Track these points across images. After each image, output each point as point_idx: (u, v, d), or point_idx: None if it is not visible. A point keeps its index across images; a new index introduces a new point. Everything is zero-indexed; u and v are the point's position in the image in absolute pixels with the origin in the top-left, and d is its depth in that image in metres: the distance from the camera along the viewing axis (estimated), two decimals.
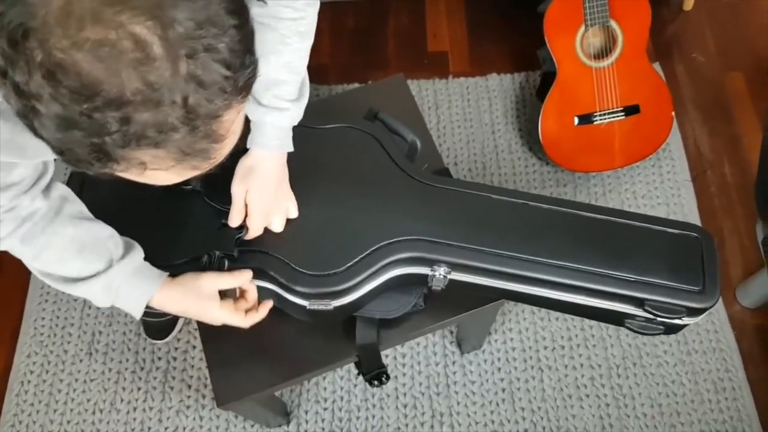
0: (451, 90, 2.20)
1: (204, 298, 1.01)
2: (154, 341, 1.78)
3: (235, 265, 1.06)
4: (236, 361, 1.23)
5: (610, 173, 2.03)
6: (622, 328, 1.17)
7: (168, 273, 1.01)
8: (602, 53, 1.86)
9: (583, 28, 1.82)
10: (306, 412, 1.71)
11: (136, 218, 1.02)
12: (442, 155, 2.03)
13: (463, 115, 2.15)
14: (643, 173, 2.04)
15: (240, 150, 1.07)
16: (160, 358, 1.78)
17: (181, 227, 1.11)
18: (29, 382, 1.76)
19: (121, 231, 1.00)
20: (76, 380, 1.76)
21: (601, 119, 1.88)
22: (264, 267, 1.06)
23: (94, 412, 1.72)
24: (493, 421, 1.70)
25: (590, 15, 1.79)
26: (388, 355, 1.77)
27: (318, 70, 2.24)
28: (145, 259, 1.01)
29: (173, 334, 1.79)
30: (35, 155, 0.77)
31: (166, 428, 1.70)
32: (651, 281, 1.07)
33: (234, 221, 1.07)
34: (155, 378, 1.76)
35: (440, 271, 1.10)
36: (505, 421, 1.70)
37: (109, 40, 0.50)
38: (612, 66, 1.86)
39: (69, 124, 0.53)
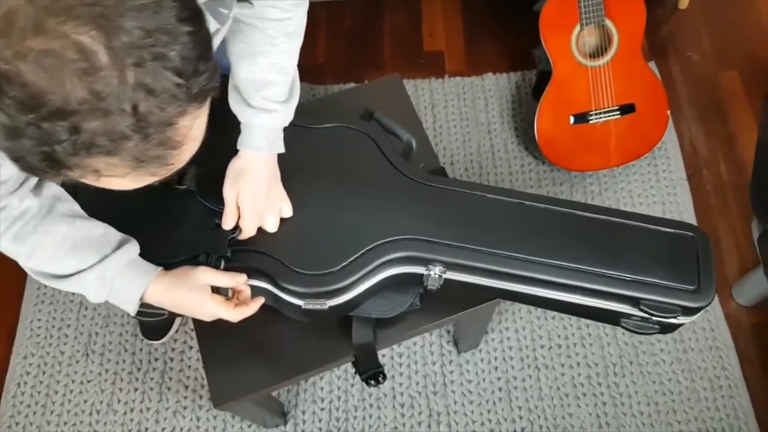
0: (447, 89, 2.20)
1: (196, 289, 1.00)
2: (151, 342, 1.78)
3: (231, 265, 1.06)
4: (233, 362, 1.23)
5: (606, 172, 2.03)
6: (618, 327, 1.17)
7: (162, 267, 1.01)
8: (598, 52, 1.87)
9: (578, 27, 1.82)
10: (303, 412, 1.71)
11: (130, 218, 1.02)
12: (439, 155, 2.03)
13: (459, 114, 2.16)
14: (638, 172, 2.04)
15: (231, 152, 1.07)
16: (156, 359, 1.77)
17: (174, 227, 1.11)
18: (26, 383, 1.76)
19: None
20: (73, 381, 1.76)
21: (596, 118, 1.89)
22: (259, 266, 1.06)
23: (90, 413, 1.72)
24: (490, 420, 1.70)
25: (585, 14, 1.80)
26: (384, 355, 1.77)
27: (314, 69, 2.24)
28: None
29: (169, 334, 1.78)
30: None
31: (163, 429, 1.70)
32: (646, 280, 1.07)
33: (227, 224, 1.07)
34: (152, 379, 1.75)
35: (435, 271, 1.10)
36: (502, 420, 1.70)
37: (52, 51, 0.50)
38: (607, 65, 1.86)
39: (16, 134, 0.53)
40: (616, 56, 1.86)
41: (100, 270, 0.94)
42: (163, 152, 0.58)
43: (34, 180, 0.88)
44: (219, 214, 1.08)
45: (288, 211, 1.12)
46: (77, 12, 0.50)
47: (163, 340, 1.78)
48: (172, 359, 1.77)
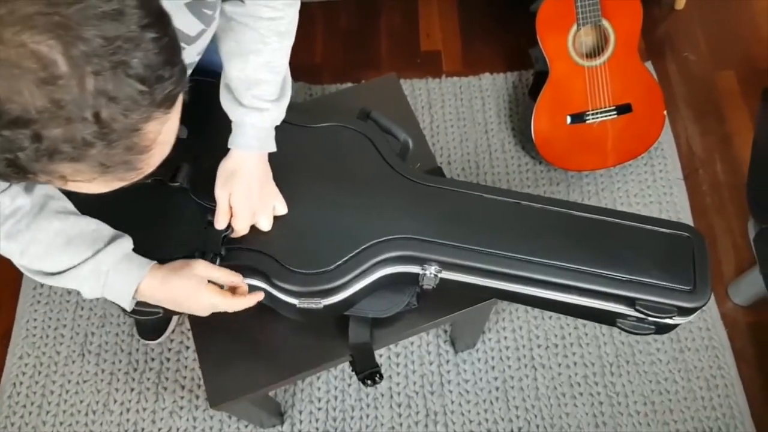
0: (444, 89, 2.20)
1: (191, 279, 0.99)
2: (147, 342, 1.78)
3: (225, 263, 1.06)
4: (229, 362, 1.23)
5: (602, 172, 2.03)
6: (614, 327, 1.17)
7: (156, 261, 1.01)
8: (594, 52, 1.87)
9: (575, 27, 1.82)
10: (300, 412, 1.71)
11: (123, 216, 1.01)
12: (436, 154, 2.03)
13: (456, 114, 2.16)
14: (635, 172, 2.04)
15: (225, 150, 1.07)
16: (153, 359, 1.77)
17: (167, 225, 1.11)
18: (21, 383, 1.75)
19: None
20: (69, 381, 1.75)
21: (593, 118, 1.89)
22: (254, 265, 1.06)
23: (86, 414, 1.72)
24: (487, 420, 1.70)
25: (582, 14, 1.80)
26: (382, 355, 1.77)
27: (311, 69, 2.24)
28: None
29: (166, 334, 1.78)
30: None
31: (159, 429, 1.70)
32: (642, 281, 1.07)
33: (220, 225, 1.07)
34: (148, 379, 1.75)
35: (431, 270, 1.10)
36: (499, 419, 1.70)
37: (10, 60, 0.50)
38: (604, 65, 1.86)
39: None
40: (613, 56, 1.86)
41: (93, 264, 0.94)
42: (130, 157, 0.59)
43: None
44: (212, 211, 1.08)
45: (282, 209, 1.11)
46: (34, 21, 0.50)
47: (160, 340, 1.78)
48: (168, 359, 1.77)
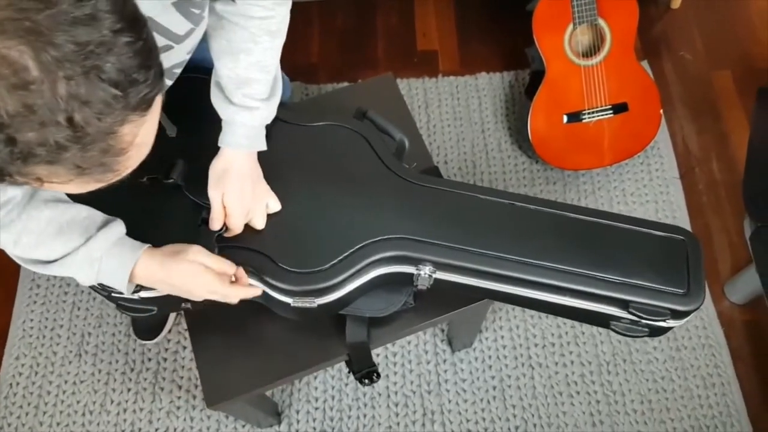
0: (440, 89, 2.20)
1: (192, 264, 0.99)
2: (144, 342, 1.78)
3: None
4: (226, 361, 1.23)
5: (599, 171, 2.04)
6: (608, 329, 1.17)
7: (149, 244, 1.00)
8: (590, 51, 1.87)
9: (571, 26, 1.82)
10: (297, 412, 1.71)
11: (118, 214, 1.01)
12: (432, 154, 2.03)
13: (453, 113, 2.16)
14: (631, 171, 2.05)
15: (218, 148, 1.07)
16: (150, 359, 1.77)
17: (161, 222, 1.10)
18: (18, 384, 1.75)
19: None
20: (66, 382, 1.75)
21: (589, 117, 1.89)
22: (248, 263, 1.06)
23: (83, 414, 1.72)
24: (484, 419, 1.71)
25: (578, 13, 1.80)
26: (379, 354, 1.77)
27: (307, 69, 2.24)
28: None
29: (162, 334, 1.78)
30: None
31: (156, 429, 1.70)
32: (635, 283, 1.07)
33: (215, 225, 1.07)
34: (145, 379, 1.75)
35: (425, 271, 1.10)
36: (496, 418, 1.71)
37: None
38: (600, 64, 1.86)
39: None
40: (609, 55, 1.86)
41: (85, 251, 0.94)
42: (106, 160, 0.59)
43: None
44: (206, 209, 1.08)
45: (275, 206, 1.11)
46: (4, 27, 0.51)
47: (156, 340, 1.77)
48: (165, 359, 1.77)
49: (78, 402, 1.73)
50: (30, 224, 0.92)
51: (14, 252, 0.94)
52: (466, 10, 2.38)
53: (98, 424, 1.70)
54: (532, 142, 1.91)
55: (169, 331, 1.80)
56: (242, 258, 1.06)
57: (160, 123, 0.95)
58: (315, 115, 1.24)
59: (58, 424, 1.70)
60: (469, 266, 1.08)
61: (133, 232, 1.00)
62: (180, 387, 1.74)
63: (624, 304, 1.07)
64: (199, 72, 1.14)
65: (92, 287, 1.08)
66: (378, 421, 1.70)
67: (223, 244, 1.08)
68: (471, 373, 1.76)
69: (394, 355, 1.78)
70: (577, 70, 1.87)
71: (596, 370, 1.76)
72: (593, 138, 1.92)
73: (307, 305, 1.08)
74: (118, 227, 0.98)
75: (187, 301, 1.14)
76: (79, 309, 1.84)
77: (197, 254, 0.99)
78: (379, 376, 1.25)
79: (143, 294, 1.07)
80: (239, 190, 1.06)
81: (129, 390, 1.74)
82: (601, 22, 1.83)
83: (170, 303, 1.13)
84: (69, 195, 0.99)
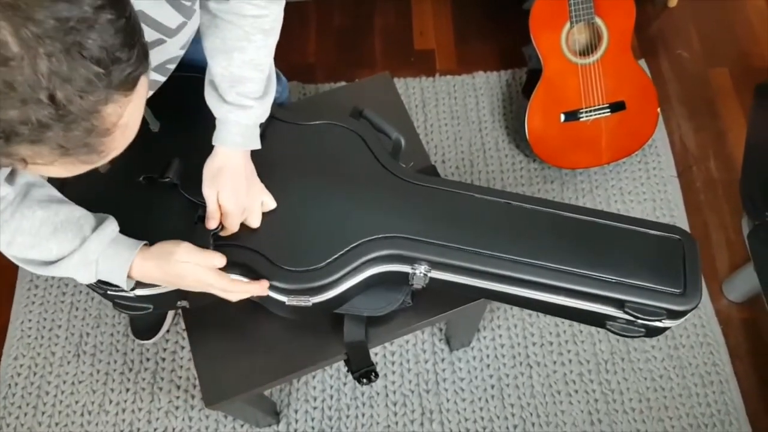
0: (438, 88, 2.20)
1: (181, 262, 0.99)
2: (142, 342, 1.78)
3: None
4: (224, 361, 1.23)
5: (596, 170, 2.04)
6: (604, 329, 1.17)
7: (145, 242, 1.01)
8: (587, 50, 1.87)
9: (568, 25, 1.82)
10: (296, 412, 1.71)
11: (113, 212, 1.01)
12: (430, 153, 2.03)
13: (450, 113, 2.16)
14: (629, 169, 2.05)
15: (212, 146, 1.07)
16: (148, 359, 1.77)
17: (157, 221, 1.10)
18: (16, 384, 1.75)
19: None
20: (64, 382, 1.75)
21: (587, 116, 1.89)
22: (243, 261, 1.06)
23: (82, 414, 1.72)
24: (482, 418, 1.71)
25: (575, 12, 1.80)
26: (377, 354, 1.78)
27: (304, 69, 2.24)
28: None
29: (160, 334, 1.78)
30: None
31: (155, 429, 1.69)
32: (631, 283, 1.07)
33: (211, 224, 1.07)
34: (144, 379, 1.75)
35: (420, 270, 1.10)
36: (494, 417, 1.71)
37: None
38: (597, 63, 1.86)
39: None
40: (606, 54, 1.86)
41: (81, 254, 0.94)
42: (90, 140, 0.58)
43: (6, 170, 0.88)
44: (202, 207, 1.08)
45: (271, 204, 1.11)
46: None
47: (154, 339, 1.77)
48: (163, 359, 1.77)
49: (76, 402, 1.73)
50: (24, 224, 0.92)
51: (10, 252, 0.94)
52: (463, 9, 2.39)
53: (97, 424, 1.70)
54: (530, 141, 1.91)
55: (168, 331, 1.80)
56: (237, 256, 1.06)
57: (144, 117, 0.95)
58: (311, 114, 1.24)
59: (56, 424, 1.70)
60: (465, 265, 1.08)
61: (130, 232, 1.00)
62: (178, 387, 1.74)
63: (620, 304, 1.07)
64: (193, 71, 1.14)
65: (89, 285, 1.08)
66: (376, 420, 1.70)
67: (219, 243, 1.08)
68: (469, 372, 1.76)
69: (393, 354, 1.78)
70: (574, 68, 1.87)
71: (594, 368, 1.76)
72: (590, 137, 1.92)
73: (302, 304, 1.08)
74: (112, 226, 0.98)
75: (183, 299, 1.14)
76: (77, 309, 1.84)
77: (185, 254, 0.99)
78: (377, 375, 1.25)
79: (138, 292, 1.07)
80: (234, 189, 1.06)
81: (127, 390, 1.74)
82: (598, 21, 1.83)
83: (166, 301, 1.13)
84: (62, 191, 0.99)
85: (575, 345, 1.79)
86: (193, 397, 1.72)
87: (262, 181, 1.11)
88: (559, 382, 1.75)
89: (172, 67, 1.01)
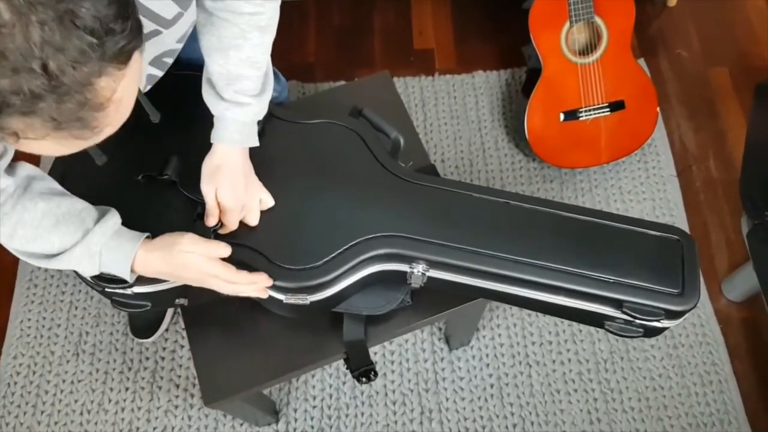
0: (437, 87, 2.20)
1: (185, 252, 0.99)
2: (140, 340, 1.78)
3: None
4: (224, 360, 1.23)
5: (596, 169, 2.04)
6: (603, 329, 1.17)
7: (148, 234, 1.00)
8: (587, 49, 1.87)
9: (567, 24, 1.82)
10: (295, 411, 1.71)
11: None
12: (429, 152, 2.03)
13: (450, 112, 2.16)
14: (628, 169, 2.05)
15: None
16: (147, 358, 1.77)
17: (156, 218, 1.10)
18: (16, 383, 1.75)
19: None
20: (63, 381, 1.75)
21: (586, 115, 1.89)
22: (241, 259, 1.06)
23: (81, 413, 1.72)
24: (482, 417, 1.71)
25: (575, 11, 1.80)
26: (376, 353, 1.78)
27: (304, 68, 2.23)
28: None
29: (158, 333, 1.78)
30: None
31: (154, 428, 1.69)
32: (630, 283, 1.07)
33: (210, 221, 1.07)
34: (143, 378, 1.75)
35: (419, 269, 1.10)
36: (493, 416, 1.71)
37: None
38: (597, 62, 1.86)
39: None
40: (606, 53, 1.86)
41: (83, 247, 0.94)
42: (83, 114, 0.58)
43: (5, 162, 0.88)
44: (201, 204, 1.08)
45: (269, 202, 1.12)
46: None
47: (152, 338, 1.77)
48: (163, 358, 1.77)
49: (76, 401, 1.73)
50: (25, 216, 0.92)
51: (11, 245, 0.94)
52: (462, 8, 2.39)
53: (96, 423, 1.70)
54: (529, 140, 1.91)
55: (167, 330, 1.80)
56: (234, 254, 1.06)
57: (143, 109, 0.95)
58: (310, 113, 1.24)
59: (56, 423, 1.70)
60: (463, 265, 1.08)
61: (128, 227, 1.00)
62: (178, 386, 1.74)
63: (618, 304, 1.07)
64: (191, 70, 1.14)
65: (87, 282, 1.08)
66: (376, 419, 1.70)
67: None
68: (468, 371, 1.76)
69: (392, 353, 1.78)
70: (573, 68, 1.87)
71: (594, 367, 1.76)
72: (590, 136, 1.92)
73: (300, 302, 1.08)
74: (114, 218, 0.98)
75: (182, 296, 1.14)
76: (76, 308, 1.84)
77: (189, 244, 0.99)
78: (376, 374, 1.25)
79: (136, 289, 1.07)
80: (232, 186, 1.06)
81: (127, 389, 1.74)
82: (598, 20, 1.83)
83: (164, 299, 1.13)
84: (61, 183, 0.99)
85: (574, 344, 1.79)
86: (192, 396, 1.72)
87: (260, 179, 1.11)
88: (559, 381, 1.75)
89: (169, 60, 1.01)
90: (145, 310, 1.13)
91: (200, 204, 1.09)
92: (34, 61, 0.52)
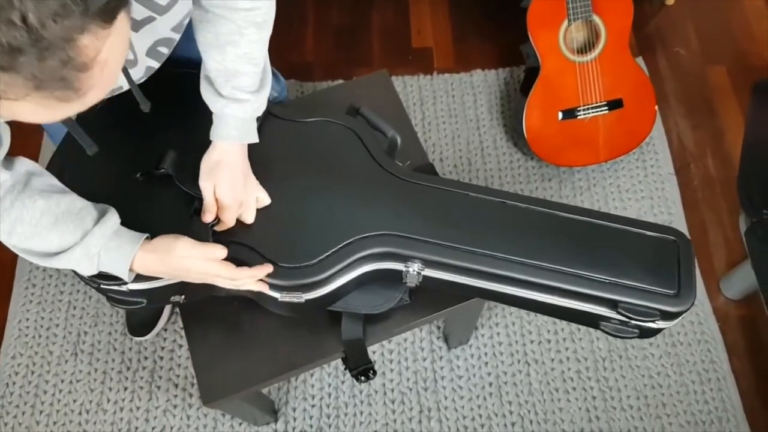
0: (435, 86, 2.20)
1: (181, 257, 0.99)
2: (137, 338, 1.77)
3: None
4: (222, 359, 1.23)
5: (594, 167, 2.04)
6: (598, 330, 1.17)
7: (147, 234, 1.00)
8: (585, 48, 1.87)
9: (566, 23, 1.82)
10: (294, 410, 1.71)
11: (108, 203, 1.02)
12: (428, 151, 2.03)
13: (448, 111, 2.16)
14: (627, 167, 2.05)
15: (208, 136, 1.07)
16: (146, 358, 1.77)
17: (153, 213, 1.10)
18: (14, 383, 1.75)
19: None
20: (62, 381, 1.75)
21: (584, 114, 1.89)
22: (237, 257, 1.06)
23: (80, 413, 1.71)
24: (480, 415, 1.71)
25: (573, 10, 1.80)
26: (375, 352, 1.78)
27: (302, 67, 2.23)
28: None
29: (155, 331, 1.77)
30: None
31: (153, 428, 1.69)
32: (625, 283, 1.06)
33: (207, 217, 1.07)
34: (142, 378, 1.75)
35: (414, 268, 1.10)
36: (492, 415, 1.71)
37: None
38: (595, 60, 1.86)
39: None
40: (604, 52, 1.86)
41: (83, 248, 0.94)
42: (66, 73, 0.56)
43: (2, 153, 0.88)
44: (198, 200, 1.08)
45: (266, 200, 1.12)
46: None
47: (148, 336, 1.77)
48: (161, 358, 1.77)
49: (75, 401, 1.73)
50: (24, 214, 0.92)
51: (10, 241, 0.94)
52: (460, 7, 2.39)
53: (95, 423, 1.70)
54: (527, 139, 1.91)
55: (165, 330, 1.79)
56: (230, 252, 1.06)
57: (134, 97, 0.94)
58: (307, 111, 1.24)
59: (54, 423, 1.70)
60: (458, 264, 1.08)
61: (124, 223, 1.00)
62: (176, 385, 1.74)
63: (613, 304, 1.07)
64: (188, 67, 1.14)
65: (82, 278, 1.08)
66: (375, 418, 1.70)
67: (213, 238, 1.08)
68: (467, 370, 1.76)
69: (391, 352, 1.78)
70: (572, 66, 1.87)
71: (592, 366, 1.76)
72: (588, 134, 1.92)
73: (294, 300, 1.08)
74: (113, 218, 0.98)
75: (178, 294, 1.14)
76: (75, 308, 1.83)
77: (185, 249, 0.99)
78: (375, 373, 1.25)
79: (132, 286, 1.07)
80: (231, 182, 1.06)
81: (125, 389, 1.74)
82: (596, 19, 1.83)
83: (159, 296, 1.13)
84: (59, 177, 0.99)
85: (573, 342, 1.79)
86: (191, 395, 1.72)
87: (256, 177, 1.11)
88: (557, 379, 1.75)
89: (165, 51, 1.00)
90: (140, 306, 1.13)
91: (197, 199, 1.09)
92: (13, 12, 0.51)
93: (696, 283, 1.08)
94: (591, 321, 1.13)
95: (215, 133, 1.05)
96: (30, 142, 2.01)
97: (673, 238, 1.12)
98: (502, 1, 2.35)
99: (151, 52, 0.98)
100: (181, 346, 1.78)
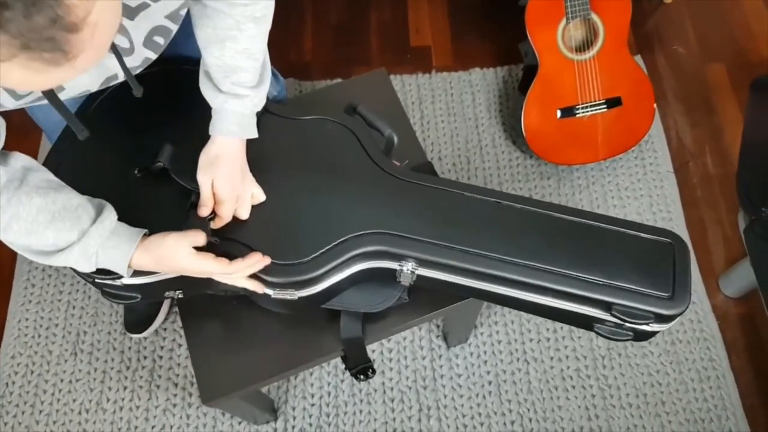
0: (434, 84, 2.20)
1: (188, 257, 0.99)
2: (132, 335, 1.77)
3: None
4: (221, 358, 1.23)
5: (593, 166, 2.04)
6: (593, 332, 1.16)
7: (145, 231, 1.00)
8: (584, 46, 1.87)
9: (564, 21, 1.82)
10: (293, 408, 1.71)
11: (105, 197, 1.01)
12: (426, 150, 2.03)
13: (447, 109, 2.16)
14: (625, 165, 2.05)
15: (205, 129, 1.07)
16: (145, 357, 1.77)
17: (149, 207, 1.10)
18: (14, 383, 1.75)
19: None
20: (62, 381, 1.75)
21: (583, 112, 1.89)
22: (230, 252, 1.05)
23: (80, 413, 1.72)
24: (480, 414, 1.71)
25: (571, 8, 1.80)
26: (374, 350, 1.78)
27: (300, 66, 2.23)
28: None
29: (152, 328, 1.77)
30: None
31: (153, 427, 1.70)
32: (619, 285, 1.06)
33: (204, 211, 1.07)
34: (141, 377, 1.75)
35: (408, 267, 1.10)
36: (491, 413, 1.71)
37: None
38: (593, 59, 1.86)
39: None
40: (602, 50, 1.86)
41: (80, 248, 0.94)
42: (54, 33, 0.54)
43: None
44: (195, 194, 1.08)
45: (260, 196, 1.12)
46: None
47: (145, 334, 1.76)
48: (161, 357, 1.77)
49: (74, 400, 1.73)
50: (20, 210, 0.91)
51: (6, 237, 0.94)
52: (458, 5, 2.38)
53: (94, 422, 1.70)
54: (526, 137, 1.91)
55: (164, 329, 1.80)
56: (223, 248, 1.06)
57: (136, 103, 0.94)
58: (304, 109, 1.24)
59: (54, 422, 1.70)
60: (451, 263, 1.08)
61: (121, 218, 1.00)
62: (176, 384, 1.74)
63: (607, 306, 1.07)
64: (187, 65, 1.14)
65: (76, 272, 1.08)
66: (374, 416, 1.70)
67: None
68: (466, 369, 1.76)
69: (390, 351, 1.78)
70: (570, 64, 1.87)
71: (591, 364, 1.76)
72: (587, 133, 1.92)
73: (288, 297, 1.08)
74: (110, 216, 0.98)
75: (171, 290, 1.14)
76: (74, 308, 1.83)
77: (173, 246, 0.99)
78: (374, 371, 1.25)
79: (126, 281, 1.07)
80: (229, 177, 1.06)
81: (125, 388, 1.74)
82: (594, 17, 1.83)
83: (154, 291, 1.13)
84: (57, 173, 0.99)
85: (572, 341, 1.79)
86: (190, 394, 1.72)
87: (252, 174, 1.11)
88: (557, 377, 1.75)
89: (162, 41, 0.99)
90: (135, 301, 1.13)
91: (194, 193, 1.08)
92: None
93: (691, 286, 1.08)
94: (585, 323, 1.13)
95: (215, 129, 1.05)
96: (29, 141, 2.01)
97: (668, 240, 1.12)
98: (501, 0, 2.35)
99: (148, 42, 0.98)
100: (180, 345, 1.78)
